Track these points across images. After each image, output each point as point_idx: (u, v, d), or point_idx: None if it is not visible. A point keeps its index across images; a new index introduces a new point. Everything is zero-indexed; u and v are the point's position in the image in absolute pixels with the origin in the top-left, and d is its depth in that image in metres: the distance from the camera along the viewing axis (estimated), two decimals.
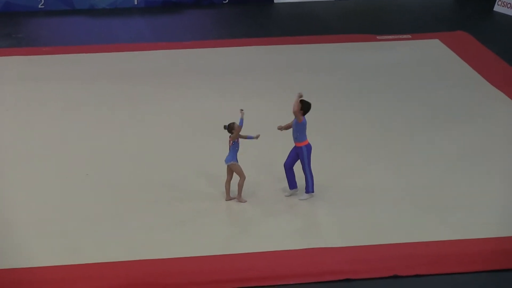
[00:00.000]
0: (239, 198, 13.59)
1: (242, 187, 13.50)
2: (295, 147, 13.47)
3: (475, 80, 19.05)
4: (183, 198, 13.76)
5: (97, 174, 14.55)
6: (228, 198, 13.64)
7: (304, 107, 13.26)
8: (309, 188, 13.61)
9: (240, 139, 13.40)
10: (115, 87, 18.43)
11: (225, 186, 13.59)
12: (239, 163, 13.41)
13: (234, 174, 13.49)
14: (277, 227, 12.98)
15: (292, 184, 13.70)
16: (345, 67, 19.88)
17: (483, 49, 20.96)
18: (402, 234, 12.73)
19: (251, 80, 19.00)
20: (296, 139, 13.39)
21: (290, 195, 13.76)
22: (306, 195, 13.68)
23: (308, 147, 13.41)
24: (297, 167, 13.59)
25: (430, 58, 20.53)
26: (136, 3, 24.53)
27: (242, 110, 13.30)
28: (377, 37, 21.90)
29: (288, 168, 13.62)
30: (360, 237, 12.66)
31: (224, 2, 25.07)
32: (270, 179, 14.25)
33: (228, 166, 13.47)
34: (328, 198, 13.77)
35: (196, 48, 21.03)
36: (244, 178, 13.46)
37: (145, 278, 11.73)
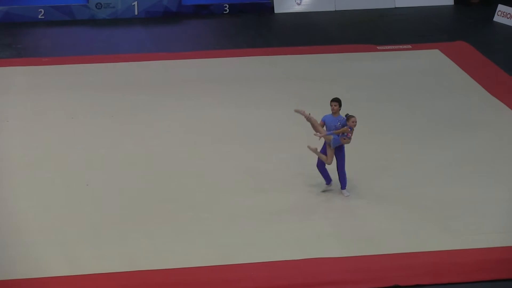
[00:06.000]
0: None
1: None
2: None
3: (475, 90, 19.06)
4: (183, 208, 13.74)
5: (98, 183, 14.53)
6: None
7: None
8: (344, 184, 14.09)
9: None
10: (115, 97, 18.41)
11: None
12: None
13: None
14: (275, 236, 12.94)
15: (328, 179, 14.09)
16: (345, 77, 19.87)
17: (483, 59, 20.97)
18: (403, 244, 12.71)
19: (251, 89, 18.99)
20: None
21: (325, 190, 14.09)
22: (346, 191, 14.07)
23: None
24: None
25: (430, 68, 20.53)
26: (136, 13, 24.56)
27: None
28: (378, 47, 21.91)
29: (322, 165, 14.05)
30: (360, 246, 12.63)
31: (224, 12, 25.10)
32: (267, 188, 14.22)
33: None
34: (327, 208, 13.74)
35: (197, 58, 21.04)
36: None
37: None
